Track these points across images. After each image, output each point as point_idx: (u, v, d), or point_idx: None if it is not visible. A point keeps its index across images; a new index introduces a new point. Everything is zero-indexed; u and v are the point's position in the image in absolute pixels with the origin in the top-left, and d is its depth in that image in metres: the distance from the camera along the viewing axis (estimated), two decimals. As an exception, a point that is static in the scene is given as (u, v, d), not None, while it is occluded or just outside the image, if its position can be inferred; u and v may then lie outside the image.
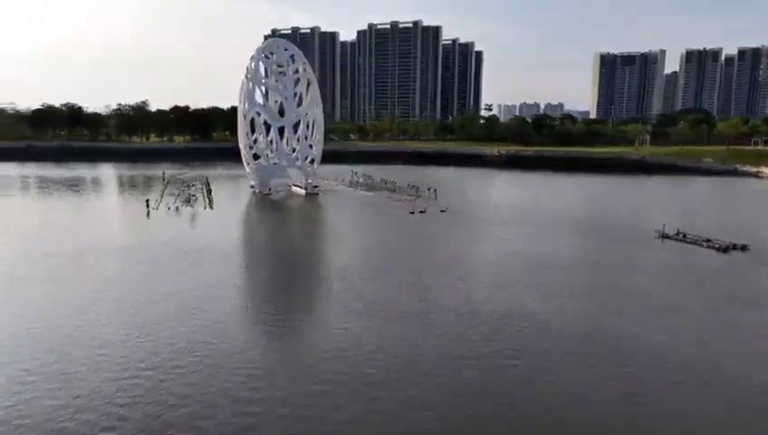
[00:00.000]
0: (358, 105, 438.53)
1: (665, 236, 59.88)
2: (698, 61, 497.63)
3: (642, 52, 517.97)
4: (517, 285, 41.44)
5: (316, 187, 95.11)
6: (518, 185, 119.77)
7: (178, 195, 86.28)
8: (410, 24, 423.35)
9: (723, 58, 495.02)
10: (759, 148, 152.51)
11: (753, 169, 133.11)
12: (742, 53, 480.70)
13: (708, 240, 56.27)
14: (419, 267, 47.05)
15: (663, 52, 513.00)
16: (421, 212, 76.70)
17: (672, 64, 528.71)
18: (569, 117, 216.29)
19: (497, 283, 42.22)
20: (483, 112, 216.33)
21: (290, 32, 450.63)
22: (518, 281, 42.71)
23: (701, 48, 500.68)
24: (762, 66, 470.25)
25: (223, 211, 76.12)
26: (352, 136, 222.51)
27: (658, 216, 75.74)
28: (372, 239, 60.53)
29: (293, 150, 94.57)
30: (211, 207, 77.64)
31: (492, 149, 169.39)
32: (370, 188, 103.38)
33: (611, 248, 55.31)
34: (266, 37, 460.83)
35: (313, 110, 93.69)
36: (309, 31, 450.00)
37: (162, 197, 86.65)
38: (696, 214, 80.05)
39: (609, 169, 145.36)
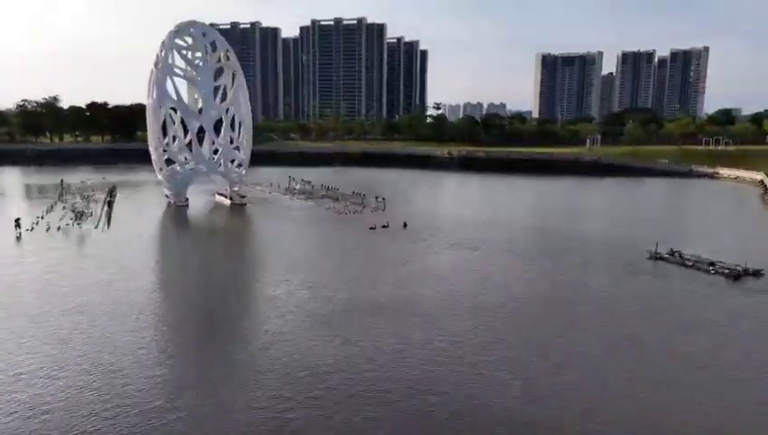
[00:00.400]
0: (302, 103, 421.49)
1: (657, 257, 49.60)
2: (633, 62, 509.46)
3: (581, 53, 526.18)
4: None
5: (243, 196, 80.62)
6: (474, 190, 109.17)
7: (70, 209, 69.82)
8: (354, 21, 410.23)
9: (656, 60, 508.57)
10: (710, 147, 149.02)
11: (710, 170, 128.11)
12: (674, 54, 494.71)
13: (712, 263, 46.22)
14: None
15: (600, 53, 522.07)
16: (384, 227, 63.90)
17: (609, 66, 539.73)
18: (519, 116, 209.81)
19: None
20: (431, 111, 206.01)
21: (229, 26, 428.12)
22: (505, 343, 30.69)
23: (636, 50, 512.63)
24: (692, 67, 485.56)
25: (120, 232, 60.29)
26: (294, 135, 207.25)
27: (635, 227, 66.23)
28: (333, 276, 43.84)
29: (216, 153, 79.56)
30: (107, 226, 61.89)
31: (442, 150, 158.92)
32: (310, 195, 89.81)
33: (599, 277, 44.30)
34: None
35: (239, 106, 78.95)
36: (249, 26, 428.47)
37: (49, 211, 69.98)
38: (672, 223, 71.17)
39: (564, 170, 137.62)
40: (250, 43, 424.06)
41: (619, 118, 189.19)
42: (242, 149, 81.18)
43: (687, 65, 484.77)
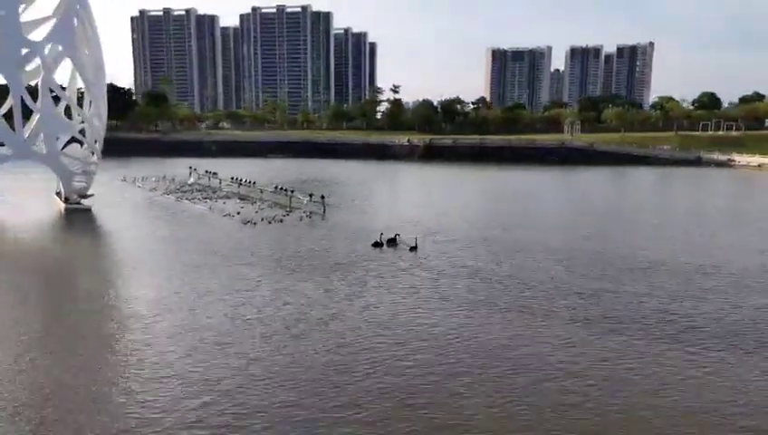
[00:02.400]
0: (243, 96, 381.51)
1: None
2: (581, 57, 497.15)
3: (530, 48, 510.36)
4: None
5: (85, 197, 47.01)
6: (453, 187, 77.91)
7: None
8: (298, 9, 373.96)
9: (603, 55, 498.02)
10: (711, 133, 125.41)
11: (722, 157, 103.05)
12: (620, 50, 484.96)
13: None
14: None
15: (549, 48, 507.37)
16: (391, 242, 35.86)
17: (558, 61, 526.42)
18: (483, 101, 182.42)
19: None
20: (388, 94, 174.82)
21: (161, 13, 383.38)
22: None
23: (584, 45, 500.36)
24: (638, 62, 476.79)
25: None
26: (226, 125, 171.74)
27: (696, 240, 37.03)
28: None
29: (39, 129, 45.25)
30: None
31: (401, 139, 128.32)
32: (212, 195, 57.14)
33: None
34: (133, 20, 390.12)
35: (81, 62, 44.87)
36: (183, 13, 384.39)
37: None
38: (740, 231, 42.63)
39: (550, 159, 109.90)
40: (185, 32, 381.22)
41: (594, 103, 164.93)
42: (90, 128, 47.04)
43: (633, 60, 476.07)
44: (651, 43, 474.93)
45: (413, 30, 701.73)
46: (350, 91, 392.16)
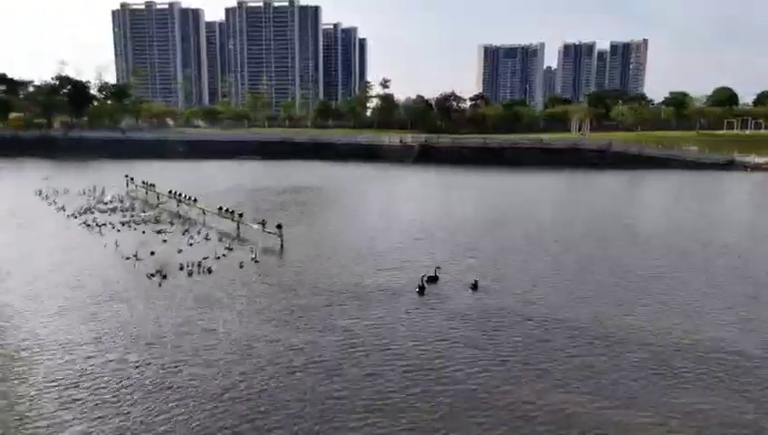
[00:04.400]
0: (230, 93, 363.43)
1: None
2: (575, 54, 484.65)
3: (522, 45, 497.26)
4: None
5: None
6: (466, 197, 62.42)
7: None
8: (286, 3, 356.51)
9: (596, 52, 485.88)
10: (737, 132, 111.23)
11: (761, 160, 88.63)
12: (614, 47, 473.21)
13: None
14: None
15: (542, 45, 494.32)
16: (432, 281, 25.55)
17: (550, 58, 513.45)
18: (482, 97, 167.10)
19: None
20: (377, 89, 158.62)
21: (143, 7, 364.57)
22: None
23: (577, 42, 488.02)
24: (632, 60, 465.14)
25: None
26: (200, 123, 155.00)
27: None
28: None
29: None
30: None
31: (392, 137, 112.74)
32: (136, 215, 41.31)
33: None
34: (114, 14, 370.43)
35: None
36: (167, 6, 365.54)
37: None
38: None
39: (562, 160, 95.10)
40: (168, 26, 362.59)
41: (601, 99, 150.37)
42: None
43: (627, 57, 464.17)
44: (645, 41, 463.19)
45: (404, 27, 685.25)
46: (340, 89, 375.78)
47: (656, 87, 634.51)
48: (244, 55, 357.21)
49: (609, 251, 33.21)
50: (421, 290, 24.22)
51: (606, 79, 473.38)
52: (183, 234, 35.97)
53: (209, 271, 27.36)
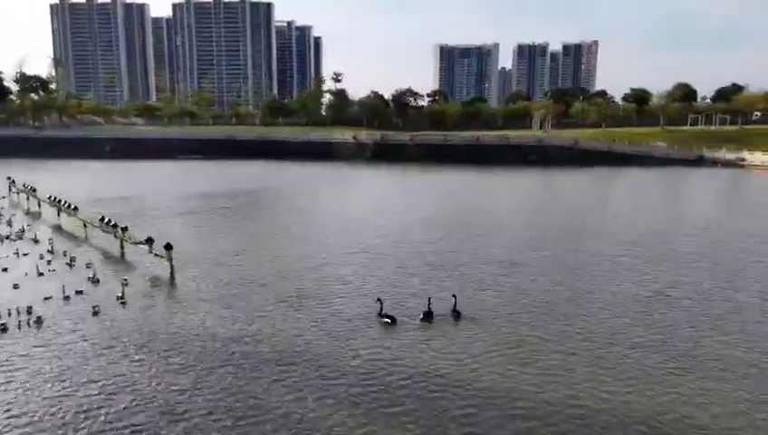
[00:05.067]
0: (167, 88, 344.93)
1: None
2: (529, 54, 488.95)
3: (477, 45, 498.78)
4: None
5: None
6: (426, 199, 54.03)
7: None
8: (236, 0, 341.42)
9: (549, 53, 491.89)
10: (703, 128, 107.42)
11: (730, 156, 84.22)
12: (566, 48, 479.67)
13: None
14: None
15: (497, 45, 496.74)
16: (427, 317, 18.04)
17: (505, 58, 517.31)
18: (440, 93, 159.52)
19: None
20: (329, 84, 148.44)
21: (84, 2, 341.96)
22: None
23: (531, 42, 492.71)
24: (583, 60, 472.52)
25: None
26: (139, 121, 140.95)
27: None
28: None
29: None
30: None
31: (345, 134, 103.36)
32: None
33: None
34: (53, 8, 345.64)
35: None
36: (109, 1, 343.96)
37: None
38: None
39: (528, 160, 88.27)
40: (111, 22, 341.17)
41: (562, 96, 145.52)
42: None
43: (579, 57, 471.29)
44: (595, 42, 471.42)
45: (359, 26, 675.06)
46: (295, 89, 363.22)
47: (606, 86, 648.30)
48: (194, 52, 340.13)
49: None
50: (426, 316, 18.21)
51: (559, 79, 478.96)
52: (41, 257, 25.79)
53: (38, 322, 17.54)
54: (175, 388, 13.75)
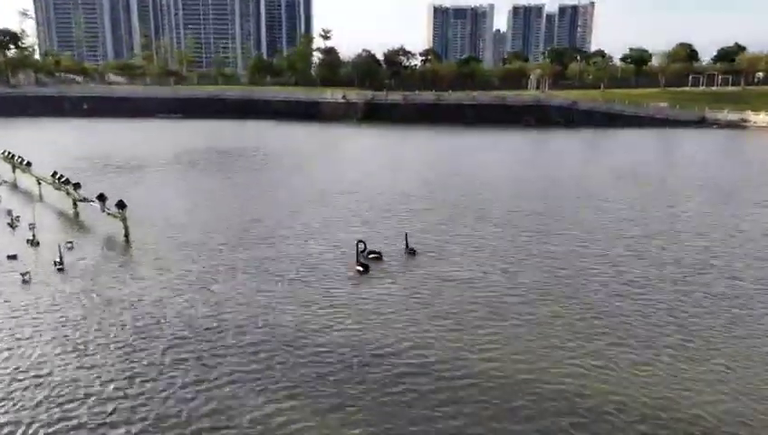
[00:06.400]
0: (157, 51, 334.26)
1: None
2: (524, 16, 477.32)
3: (472, 6, 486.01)
4: None
5: None
6: (417, 161, 50.81)
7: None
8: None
9: (545, 14, 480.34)
10: (703, 88, 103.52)
11: (734, 117, 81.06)
12: (562, 9, 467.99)
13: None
14: None
15: (492, 6, 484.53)
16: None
17: (499, 20, 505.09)
18: (433, 52, 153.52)
19: None
20: (318, 42, 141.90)
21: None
22: None
23: (526, 4, 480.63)
24: (579, 22, 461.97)
25: None
26: (118, 78, 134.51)
27: None
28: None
29: None
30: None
31: (335, 94, 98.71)
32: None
33: None
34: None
35: None
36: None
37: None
38: None
39: (525, 120, 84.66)
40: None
41: (559, 56, 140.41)
42: None
43: (575, 19, 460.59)
44: (592, 3, 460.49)
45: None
46: (285, 49, 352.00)
47: (603, 49, 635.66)
48: (179, 10, 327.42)
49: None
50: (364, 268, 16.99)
51: (555, 41, 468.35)
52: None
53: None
54: (106, 374, 10.81)
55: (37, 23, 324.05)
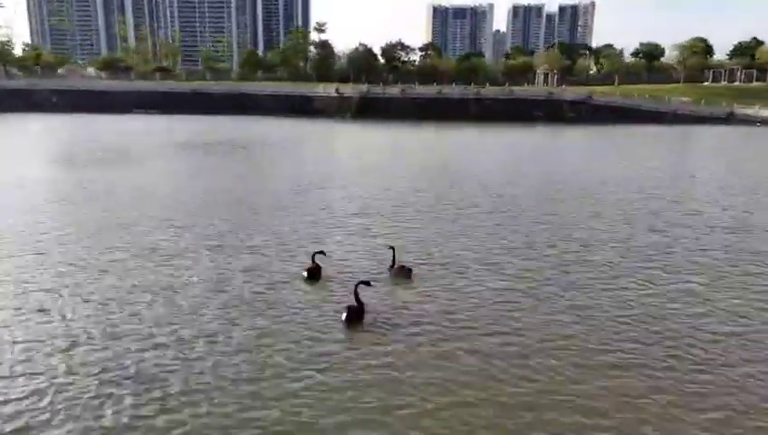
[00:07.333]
0: (140, 44, 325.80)
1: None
2: (524, 15, 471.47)
3: (472, 5, 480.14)
4: None
5: None
6: (417, 164, 42.45)
7: None
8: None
9: (545, 14, 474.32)
10: (725, 84, 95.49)
11: (766, 113, 73.05)
12: (562, 9, 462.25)
13: None
14: None
15: (491, 5, 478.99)
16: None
17: (499, 21, 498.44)
18: (433, 46, 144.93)
19: None
20: (313, 36, 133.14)
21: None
22: None
23: (526, 4, 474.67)
24: (579, 22, 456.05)
25: None
26: (100, 73, 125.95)
27: None
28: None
29: None
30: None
31: (327, 88, 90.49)
32: None
33: None
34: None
35: None
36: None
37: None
38: None
39: (534, 116, 76.64)
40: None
41: (568, 51, 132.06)
42: None
43: (575, 19, 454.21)
44: (592, 3, 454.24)
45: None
46: (281, 43, 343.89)
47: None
48: (175, 6, 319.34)
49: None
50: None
51: (555, 39, 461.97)
52: None
53: None
54: None
55: (29, 19, 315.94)
